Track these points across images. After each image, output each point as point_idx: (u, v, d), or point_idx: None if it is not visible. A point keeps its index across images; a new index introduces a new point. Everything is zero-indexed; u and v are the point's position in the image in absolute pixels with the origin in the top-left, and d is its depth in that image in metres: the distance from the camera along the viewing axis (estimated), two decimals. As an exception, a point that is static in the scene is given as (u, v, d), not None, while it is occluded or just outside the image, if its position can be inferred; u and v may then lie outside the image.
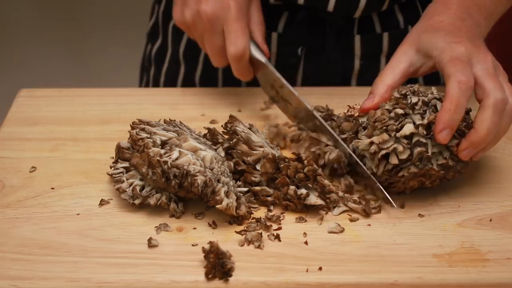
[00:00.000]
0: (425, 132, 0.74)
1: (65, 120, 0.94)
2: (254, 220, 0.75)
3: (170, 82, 1.12)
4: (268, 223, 0.74)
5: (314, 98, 0.96)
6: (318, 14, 0.99)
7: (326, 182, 0.76)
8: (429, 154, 0.74)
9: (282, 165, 0.77)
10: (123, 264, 0.68)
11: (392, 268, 0.69)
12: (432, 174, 0.76)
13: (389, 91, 0.80)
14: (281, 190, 0.77)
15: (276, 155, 0.79)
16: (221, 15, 0.86)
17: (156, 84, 1.15)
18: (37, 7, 2.46)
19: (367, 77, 0.86)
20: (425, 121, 0.75)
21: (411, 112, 0.76)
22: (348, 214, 0.76)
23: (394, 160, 0.75)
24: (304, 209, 0.76)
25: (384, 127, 0.76)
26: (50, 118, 0.95)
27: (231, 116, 0.84)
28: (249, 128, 0.83)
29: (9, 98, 1.02)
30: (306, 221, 0.75)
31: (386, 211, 0.77)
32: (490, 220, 0.75)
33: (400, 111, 0.76)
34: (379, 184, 0.77)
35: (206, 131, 0.84)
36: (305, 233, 0.73)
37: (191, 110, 0.97)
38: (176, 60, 1.11)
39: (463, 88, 0.74)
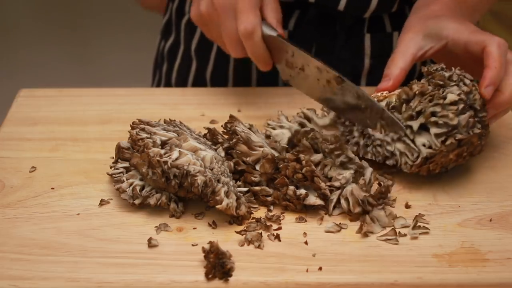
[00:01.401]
0: (466, 99, 0.77)
1: (65, 120, 0.94)
2: (254, 220, 0.75)
3: (182, 79, 1.13)
4: (268, 223, 0.74)
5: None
6: (329, 12, 1.00)
7: (323, 185, 0.76)
8: (471, 120, 0.76)
9: (281, 166, 0.77)
10: (123, 264, 0.68)
11: (392, 268, 0.69)
12: (472, 143, 0.77)
13: (402, 73, 0.84)
14: (280, 190, 0.77)
15: (276, 155, 0.79)
16: (233, 1, 0.87)
17: (168, 81, 1.16)
18: (38, 7, 2.46)
19: (377, 76, 0.88)
20: (467, 89, 0.77)
21: (449, 83, 0.78)
22: (348, 214, 0.76)
23: (440, 129, 0.76)
24: (304, 209, 0.76)
25: (430, 97, 0.77)
26: (50, 118, 0.95)
27: (231, 116, 0.84)
28: (249, 128, 0.83)
29: (9, 98, 1.02)
30: (306, 221, 0.75)
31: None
32: (490, 220, 0.75)
33: (440, 82, 0.78)
34: (388, 112, 0.78)
35: (206, 131, 0.84)
36: (305, 233, 0.73)
37: (191, 110, 0.97)
38: (188, 56, 1.12)
39: (503, 49, 0.80)
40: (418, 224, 0.74)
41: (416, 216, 0.75)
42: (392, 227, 0.74)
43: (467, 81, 0.79)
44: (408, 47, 0.85)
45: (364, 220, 0.74)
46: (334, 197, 0.77)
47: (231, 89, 1.04)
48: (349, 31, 1.02)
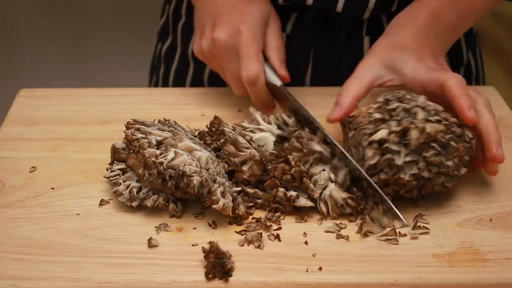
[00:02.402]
0: (396, 140, 0.73)
1: (65, 120, 0.94)
2: (254, 220, 0.75)
3: (179, 81, 1.13)
4: (268, 223, 0.74)
5: (322, 98, 0.96)
6: (327, 15, 0.99)
7: (311, 186, 0.76)
8: (399, 163, 0.73)
9: (269, 167, 0.77)
10: (123, 264, 0.68)
11: (392, 268, 0.69)
12: (403, 184, 0.74)
13: (355, 101, 0.82)
14: (269, 192, 0.76)
15: (264, 157, 0.78)
16: (234, 41, 0.87)
17: (165, 83, 1.16)
18: (38, 8, 2.46)
19: None
20: (398, 128, 0.73)
21: (389, 118, 0.75)
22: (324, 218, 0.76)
23: (365, 164, 0.75)
24: (294, 211, 0.76)
25: (362, 130, 0.75)
26: (50, 118, 0.95)
27: (215, 117, 0.83)
28: (233, 130, 0.82)
29: (9, 98, 1.02)
30: (306, 221, 0.75)
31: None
32: (490, 220, 0.75)
33: (377, 115, 0.75)
34: (388, 200, 0.74)
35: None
36: (305, 233, 0.73)
37: (191, 110, 0.97)
38: (185, 59, 1.11)
39: (462, 82, 0.78)
40: (418, 224, 0.74)
41: (416, 216, 0.75)
42: (392, 227, 0.74)
43: (420, 114, 0.74)
44: (366, 73, 0.84)
45: (364, 220, 0.74)
46: (320, 202, 0.76)
47: (231, 89, 1.04)
48: (348, 33, 1.01)
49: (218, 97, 1.00)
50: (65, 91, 1.02)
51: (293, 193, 0.75)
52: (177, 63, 1.13)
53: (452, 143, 0.74)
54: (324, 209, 0.75)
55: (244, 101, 0.99)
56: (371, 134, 0.75)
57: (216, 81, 1.09)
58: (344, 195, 0.75)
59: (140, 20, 2.29)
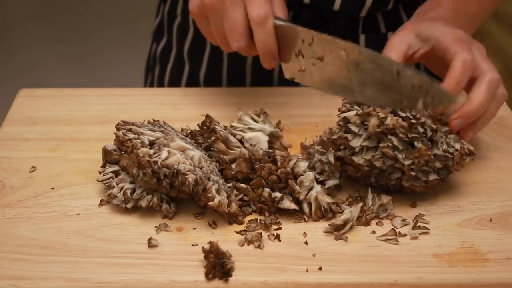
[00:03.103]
0: (358, 122, 0.75)
1: (65, 120, 0.94)
2: (254, 220, 0.74)
3: (175, 81, 1.13)
4: (268, 223, 0.74)
5: (319, 97, 0.96)
6: (323, 13, 0.99)
7: (297, 188, 0.75)
8: (354, 144, 0.75)
9: (257, 166, 0.77)
10: (123, 264, 0.68)
11: (392, 268, 0.69)
12: (357, 167, 0.76)
13: None
14: (255, 191, 0.76)
15: (253, 155, 0.78)
16: None
17: (160, 84, 1.15)
18: (38, 7, 2.46)
19: None
20: (361, 112, 0.76)
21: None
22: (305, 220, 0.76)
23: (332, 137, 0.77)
24: (278, 212, 0.76)
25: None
26: (50, 118, 0.95)
27: (207, 116, 0.83)
28: (225, 129, 0.82)
29: (9, 98, 1.02)
30: (306, 221, 0.75)
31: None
32: (490, 220, 0.75)
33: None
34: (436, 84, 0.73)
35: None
36: (305, 233, 0.73)
37: (191, 110, 0.97)
38: (180, 59, 1.11)
39: (467, 68, 0.77)
40: (418, 224, 0.74)
41: (416, 216, 0.75)
42: (392, 227, 0.74)
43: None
44: (400, 43, 0.84)
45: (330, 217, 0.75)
46: (304, 202, 0.76)
47: (231, 89, 1.04)
48: (343, 32, 1.01)
49: (218, 97, 1.01)
50: (65, 91, 1.02)
51: (277, 195, 0.75)
52: (172, 63, 1.12)
53: (416, 143, 0.74)
54: (307, 209, 0.75)
55: (244, 101, 0.99)
56: (344, 112, 0.77)
57: (212, 80, 1.09)
58: (329, 199, 0.75)
59: (141, 20, 2.29)
